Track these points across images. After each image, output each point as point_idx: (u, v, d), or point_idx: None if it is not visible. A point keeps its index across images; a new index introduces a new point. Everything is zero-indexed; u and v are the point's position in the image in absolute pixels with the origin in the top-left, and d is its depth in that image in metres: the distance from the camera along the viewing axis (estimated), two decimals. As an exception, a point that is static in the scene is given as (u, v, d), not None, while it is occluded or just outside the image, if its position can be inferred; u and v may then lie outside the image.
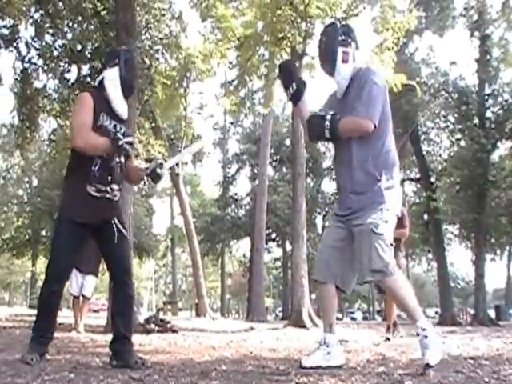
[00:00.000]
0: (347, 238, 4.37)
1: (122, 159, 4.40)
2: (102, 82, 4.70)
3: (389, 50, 17.69)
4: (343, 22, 5.39)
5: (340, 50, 4.44)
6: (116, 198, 4.67)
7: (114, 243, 4.59)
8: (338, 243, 4.43)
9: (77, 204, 4.46)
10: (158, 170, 4.62)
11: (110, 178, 4.47)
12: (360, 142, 4.32)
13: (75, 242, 4.55)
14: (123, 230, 4.68)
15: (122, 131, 4.61)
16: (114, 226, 4.59)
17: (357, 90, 4.36)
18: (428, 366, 3.88)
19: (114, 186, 4.57)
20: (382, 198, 4.22)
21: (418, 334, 4.10)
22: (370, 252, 4.10)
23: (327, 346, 4.36)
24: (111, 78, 4.63)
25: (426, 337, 4.03)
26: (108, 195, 4.53)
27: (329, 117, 4.32)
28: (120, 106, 4.65)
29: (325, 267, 4.49)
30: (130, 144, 4.43)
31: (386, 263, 4.09)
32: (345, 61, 4.44)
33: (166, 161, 4.74)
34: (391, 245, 4.24)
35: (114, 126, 4.58)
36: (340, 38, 4.48)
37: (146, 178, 4.79)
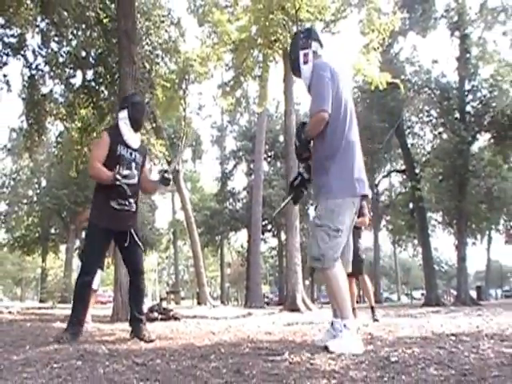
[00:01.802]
0: None
1: (135, 177, 5.52)
2: (117, 121, 5.75)
3: (375, 50, 17.77)
4: (307, 27, 5.76)
5: (301, 53, 4.73)
6: (133, 209, 5.64)
7: (130, 250, 5.65)
8: None
9: (103, 215, 5.45)
10: (166, 175, 5.75)
11: (127, 194, 5.45)
12: (316, 136, 4.55)
13: (101, 244, 5.58)
14: (137, 240, 5.67)
15: (137, 159, 5.67)
16: (130, 236, 5.58)
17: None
18: (327, 348, 4.01)
19: (131, 200, 5.57)
20: (328, 188, 4.38)
21: (336, 328, 4.25)
22: (311, 241, 4.37)
23: (334, 330, 4.34)
24: (122, 117, 5.68)
25: (341, 331, 4.15)
26: (127, 207, 5.52)
27: (300, 127, 4.65)
28: (131, 139, 5.66)
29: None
30: (129, 186, 5.41)
31: (323, 252, 4.23)
32: (305, 62, 4.70)
33: (169, 164, 5.55)
34: (337, 231, 4.29)
35: (130, 153, 5.61)
36: (301, 42, 4.78)
37: (159, 185, 5.91)
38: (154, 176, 5.98)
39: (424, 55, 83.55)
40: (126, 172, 5.34)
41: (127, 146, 5.58)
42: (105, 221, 5.41)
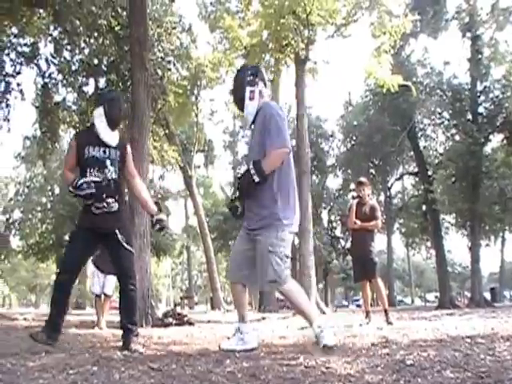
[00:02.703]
0: (253, 247, 4.83)
1: (110, 174, 5.36)
2: (93, 119, 5.59)
3: (386, 52, 17.72)
4: (253, 64, 6.02)
5: (247, 89, 4.96)
6: (114, 209, 5.39)
7: (116, 252, 5.48)
8: (247, 251, 4.92)
9: (85, 218, 5.43)
10: (161, 223, 5.70)
11: (104, 195, 5.27)
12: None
13: (81, 244, 5.39)
14: (123, 243, 5.44)
15: (112, 155, 5.45)
16: (115, 237, 5.39)
17: (262, 125, 4.84)
18: (327, 346, 4.43)
19: (109, 200, 5.34)
20: (278, 220, 4.70)
21: (315, 333, 4.63)
22: (266, 266, 4.63)
23: (241, 333, 4.82)
24: (97, 115, 5.50)
25: (321, 331, 4.57)
26: (106, 209, 5.33)
27: (251, 166, 4.72)
28: (107, 136, 5.45)
29: (236, 270, 5.02)
30: (88, 184, 5.20)
31: (279, 274, 4.60)
32: (251, 98, 4.93)
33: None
34: (287, 257, 4.74)
35: (104, 151, 5.41)
36: (248, 78, 5.01)
37: (151, 216, 5.77)
38: (155, 215, 5.76)
39: (435, 57, 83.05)
40: (93, 171, 5.27)
41: (102, 145, 5.41)
42: (86, 223, 5.38)
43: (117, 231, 5.42)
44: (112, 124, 5.50)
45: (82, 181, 5.19)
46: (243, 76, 5.03)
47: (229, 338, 5.01)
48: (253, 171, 4.68)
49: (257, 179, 4.67)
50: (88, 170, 5.27)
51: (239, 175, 4.98)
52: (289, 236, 4.79)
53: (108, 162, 5.39)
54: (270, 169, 4.68)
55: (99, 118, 5.47)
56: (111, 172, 5.39)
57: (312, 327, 4.65)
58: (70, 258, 5.40)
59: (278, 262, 4.60)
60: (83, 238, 5.36)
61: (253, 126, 5.07)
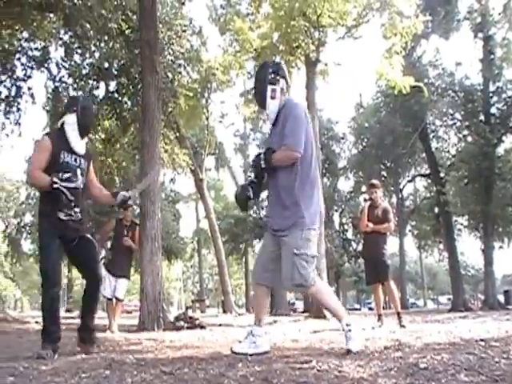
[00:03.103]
0: (279, 248, 4.78)
1: (79, 183, 5.35)
2: (62, 125, 5.45)
3: (397, 54, 17.66)
4: (275, 60, 6.01)
5: (269, 87, 4.91)
6: (79, 218, 5.37)
7: (82, 255, 5.44)
8: (272, 253, 4.85)
9: (53, 224, 5.20)
10: (128, 200, 5.62)
11: (73, 203, 5.22)
12: (283, 169, 4.78)
13: (59, 251, 5.27)
14: (92, 244, 5.54)
15: (82, 165, 5.42)
16: (79, 240, 5.36)
17: (283, 122, 4.80)
18: (350, 351, 4.43)
19: (77, 209, 5.33)
20: (302, 218, 4.65)
21: (343, 329, 4.66)
22: (292, 270, 4.58)
23: (253, 336, 4.77)
24: (70, 122, 5.39)
25: (350, 330, 4.60)
26: (73, 217, 5.28)
27: (263, 151, 4.86)
28: (77, 145, 5.39)
29: (261, 271, 4.94)
30: (68, 189, 5.11)
31: (306, 278, 4.57)
32: (272, 97, 4.89)
33: (127, 191, 5.75)
34: (313, 257, 4.69)
35: (75, 159, 5.36)
36: (269, 76, 4.95)
37: (114, 204, 5.69)
38: (107, 193, 5.83)
39: (447, 58, 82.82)
40: (66, 175, 5.17)
41: (73, 153, 5.34)
42: (56, 230, 5.19)
43: (87, 235, 5.51)
44: (84, 132, 5.47)
45: (68, 174, 5.18)
46: (264, 74, 4.98)
47: (240, 342, 4.98)
48: (262, 156, 4.78)
49: (263, 165, 4.76)
50: (61, 176, 5.16)
51: (254, 156, 5.01)
52: (314, 234, 4.74)
53: (78, 172, 5.37)
54: (277, 164, 4.72)
55: (71, 125, 5.37)
56: (80, 181, 5.38)
57: (341, 324, 4.67)
58: (56, 268, 5.25)
59: (303, 265, 4.56)
60: (58, 245, 5.22)
61: (271, 127, 5.08)
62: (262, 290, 4.93)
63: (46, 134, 5.85)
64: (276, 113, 4.90)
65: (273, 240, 4.87)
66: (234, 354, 4.57)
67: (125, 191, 5.64)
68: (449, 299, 49.09)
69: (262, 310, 5.02)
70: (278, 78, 4.93)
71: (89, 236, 5.53)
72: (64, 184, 5.07)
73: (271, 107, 4.90)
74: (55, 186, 4.99)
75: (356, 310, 56.86)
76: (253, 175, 4.99)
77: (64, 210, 5.18)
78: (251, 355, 4.41)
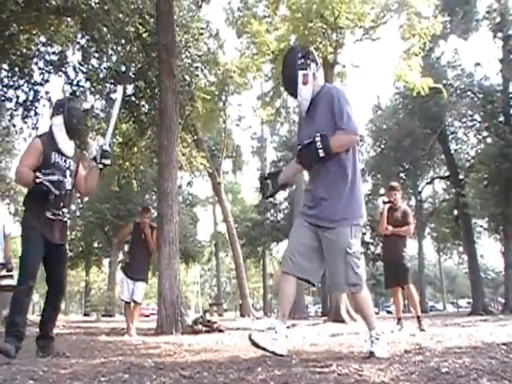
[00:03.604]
0: (316, 239, 4.55)
1: (68, 185, 5.40)
2: (51, 127, 5.50)
3: (416, 55, 17.63)
4: (303, 45, 5.60)
5: (300, 73, 4.60)
6: (65, 219, 5.43)
7: (55, 267, 5.44)
8: (308, 242, 4.56)
9: (39, 221, 5.20)
10: (104, 147, 5.56)
11: (61, 203, 5.29)
12: (335, 157, 4.47)
13: (40, 247, 5.20)
14: (66, 255, 5.64)
15: (71, 167, 5.49)
16: (59, 249, 5.39)
17: (327, 106, 4.49)
18: (372, 354, 4.34)
19: (65, 210, 5.39)
20: (352, 213, 4.45)
21: (370, 336, 4.53)
22: (346, 270, 4.37)
23: (275, 332, 4.43)
24: (57, 124, 5.43)
25: (378, 339, 4.47)
26: (60, 217, 5.33)
27: (317, 138, 4.38)
28: (65, 146, 5.46)
29: (294, 261, 4.57)
30: (52, 182, 5.07)
31: (361, 277, 4.42)
32: (305, 82, 4.59)
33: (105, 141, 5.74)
34: (361, 253, 4.67)
35: (65, 161, 5.44)
36: (299, 61, 4.63)
37: (99, 164, 5.56)
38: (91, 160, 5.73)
39: (466, 58, 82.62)
40: (49, 171, 5.14)
41: (62, 154, 5.39)
42: (41, 227, 5.18)
43: (65, 245, 5.52)
44: (72, 134, 5.49)
45: (50, 170, 5.16)
46: (293, 59, 4.66)
47: (261, 331, 4.67)
48: (319, 144, 4.35)
49: (322, 154, 4.35)
50: (47, 173, 5.14)
51: (300, 146, 4.57)
52: (360, 230, 4.57)
53: (68, 173, 5.41)
54: (338, 149, 4.39)
55: (59, 127, 5.40)
56: (69, 183, 5.41)
57: (370, 332, 4.54)
58: (34, 261, 5.19)
59: (357, 264, 4.38)
60: (40, 242, 5.17)
61: (305, 114, 4.77)
62: (290, 280, 4.59)
63: (37, 136, 5.83)
64: (309, 99, 4.62)
65: (310, 229, 4.57)
66: (251, 341, 4.35)
67: (98, 146, 5.73)
68: (468, 302, 48.83)
69: (288, 303, 4.65)
70: (308, 62, 4.64)
71: (66, 247, 5.55)
72: (47, 178, 5.05)
73: (304, 94, 4.60)
74: (38, 180, 4.98)
75: (374, 313, 56.59)
76: (304, 168, 4.77)
77: (52, 209, 5.21)
78: (269, 351, 4.30)
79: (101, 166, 5.52)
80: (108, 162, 5.50)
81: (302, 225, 4.64)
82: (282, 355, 4.39)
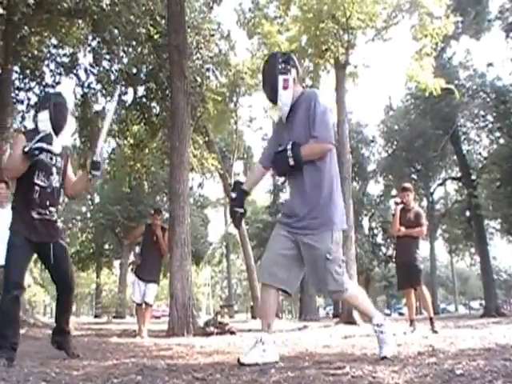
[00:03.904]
0: (294, 247, 4.47)
1: (55, 182, 5.22)
2: (36, 123, 5.24)
3: (428, 55, 17.58)
4: (283, 51, 5.46)
5: (280, 78, 4.56)
6: (53, 218, 5.25)
7: (56, 265, 5.21)
8: (286, 251, 4.50)
9: (24, 225, 5.01)
10: (94, 159, 5.24)
11: (47, 202, 5.13)
12: (311, 164, 4.43)
13: (25, 253, 5.05)
14: (65, 249, 5.38)
15: (58, 164, 5.28)
16: (53, 247, 5.15)
17: (306, 112, 4.47)
18: (384, 357, 4.19)
19: (52, 209, 5.21)
20: (331, 219, 4.38)
21: (375, 331, 4.41)
22: (326, 278, 4.31)
23: (263, 344, 4.41)
24: (42, 119, 5.16)
25: (382, 332, 4.35)
26: (47, 216, 5.14)
27: (289, 146, 4.38)
28: (52, 142, 5.08)
29: (272, 272, 4.54)
30: (41, 149, 4.86)
31: (342, 283, 4.33)
32: (285, 87, 4.54)
33: (94, 151, 5.41)
34: (343, 261, 4.46)
35: (51, 158, 5.19)
36: (280, 66, 4.58)
37: (90, 175, 5.30)
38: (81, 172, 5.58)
39: (478, 58, 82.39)
40: (42, 155, 4.95)
41: (47, 151, 5.05)
42: (26, 230, 4.99)
43: (60, 240, 5.31)
44: (57, 129, 5.21)
45: (39, 144, 4.85)
46: (274, 64, 4.62)
47: (247, 352, 4.52)
48: (289, 153, 4.37)
49: (291, 162, 4.37)
50: (36, 173, 5.05)
51: (275, 154, 4.56)
52: (341, 236, 4.49)
53: (54, 170, 5.23)
54: (308, 158, 4.37)
55: (44, 122, 5.16)
56: (56, 180, 5.25)
57: (372, 323, 4.46)
58: (18, 270, 4.98)
59: (337, 271, 4.31)
60: (25, 247, 5.00)
61: (285, 120, 4.70)
62: (270, 291, 4.54)
63: (22, 132, 5.77)
64: (289, 105, 4.58)
65: (288, 238, 4.51)
66: (243, 365, 4.22)
67: (89, 156, 5.49)
68: (480, 304, 48.71)
69: (271, 315, 4.64)
70: (288, 67, 4.61)
71: (62, 242, 5.33)
72: (38, 182, 5.02)
73: (284, 99, 4.56)
74: (26, 149, 4.77)
75: (386, 315, 56.31)
76: (276, 175, 4.80)
77: (37, 208, 5.06)
78: (262, 365, 4.20)
79: (90, 176, 5.33)
80: (98, 173, 5.26)
81: (279, 233, 4.62)
82: (275, 362, 4.35)
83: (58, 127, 5.20)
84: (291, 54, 4.87)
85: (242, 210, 4.83)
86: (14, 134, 16.37)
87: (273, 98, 4.64)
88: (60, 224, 5.61)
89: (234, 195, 4.85)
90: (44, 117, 5.16)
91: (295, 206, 4.55)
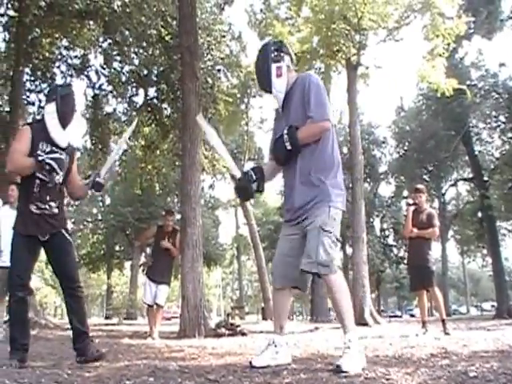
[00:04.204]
0: (302, 244, 4.31)
1: (58, 178, 4.99)
2: (43, 115, 5.14)
3: (440, 55, 17.52)
4: (276, 39, 5.28)
5: (273, 66, 4.52)
6: (53, 213, 5.03)
7: (58, 255, 5.06)
8: (294, 251, 4.38)
9: (23, 220, 4.94)
10: (98, 179, 5.16)
11: (48, 197, 4.96)
12: (305, 147, 4.35)
13: (27, 253, 4.93)
14: (67, 240, 5.10)
15: (62, 156, 5.05)
16: (54, 237, 5.01)
17: (301, 95, 4.40)
18: (339, 367, 3.74)
19: (52, 204, 5.01)
20: (328, 196, 4.24)
21: (344, 343, 4.09)
22: (317, 246, 4.11)
23: (275, 346, 4.37)
24: (49, 112, 5.03)
25: (348, 348, 4.01)
26: (47, 211, 4.97)
27: (285, 131, 4.33)
28: (58, 135, 5.03)
29: (283, 274, 4.47)
30: (54, 159, 4.86)
31: (332, 258, 4.13)
32: (278, 75, 4.51)
33: (100, 170, 5.36)
34: (338, 240, 4.32)
35: (55, 152, 5.00)
36: (272, 54, 4.55)
37: (89, 190, 5.30)
38: (84, 181, 5.37)
39: (490, 59, 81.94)
40: (48, 148, 4.92)
41: (53, 144, 5.01)
42: (26, 227, 4.92)
43: (63, 230, 5.11)
44: (64, 122, 5.06)
45: (48, 148, 4.92)
46: (266, 53, 4.58)
47: (259, 354, 4.48)
48: (286, 137, 4.32)
49: (288, 147, 4.31)
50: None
51: (273, 141, 4.58)
52: (339, 215, 4.31)
53: (57, 165, 5.00)
54: (306, 140, 4.30)
55: (51, 114, 5.03)
56: (59, 176, 5.05)
57: (344, 336, 4.12)
58: (20, 272, 4.90)
59: (330, 244, 4.13)
60: (27, 247, 4.93)
61: (281, 108, 4.65)
62: (284, 293, 4.49)
63: (28, 123, 5.60)
64: (283, 92, 4.53)
65: (292, 235, 4.44)
66: (254, 368, 4.17)
67: (94, 173, 5.32)
68: (492, 306, 48.52)
69: (284, 316, 4.60)
70: (282, 54, 4.56)
71: (64, 232, 5.12)
72: (50, 156, 4.88)
73: (278, 86, 4.52)
74: (39, 158, 4.79)
75: (397, 317, 56.41)
76: (277, 162, 4.63)
77: (36, 202, 4.93)
78: (274, 367, 4.17)
79: (90, 192, 5.40)
80: (99, 193, 5.35)
81: (285, 233, 4.57)
82: (287, 364, 4.30)
83: (64, 120, 5.07)
84: (284, 42, 4.82)
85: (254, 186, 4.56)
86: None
87: (266, 86, 4.61)
88: (65, 218, 5.36)
89: (252, 174, 4.54)
90: (50, 109, 5.06)
91: (294, 188, 4.45)
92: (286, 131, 4.33)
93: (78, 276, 5.29)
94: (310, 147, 4.34)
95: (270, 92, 4.60)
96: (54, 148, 5.02)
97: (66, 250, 5.11)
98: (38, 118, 4.90)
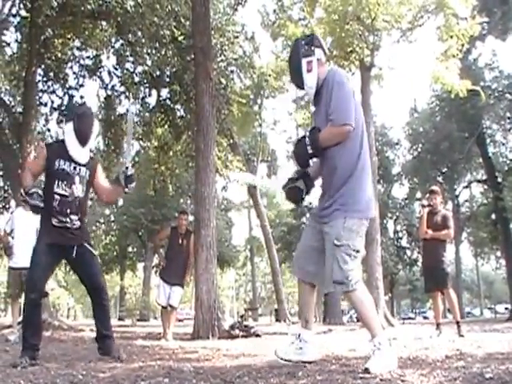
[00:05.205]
0: (321, 238, 4.30)
1: (77, 192, 5.30)
2: (64, 135, 5.48)
3: (453, 56, 17.46)
4: (307, 34, 5.14)
5: (303, 61, 4.42)
6: (75, 226, 5.33)
7: (83, 265, 5.41)
8: (314, 242, 4.39)
9: (46, 231, 5.23)
10: (129, 173, 5.36)
11: (68, 210, 5.24)
12: (327, 151, 4.29)
13: (45, 259, 5.16)
14: (91, 253, 5.44)
15: (82, 173, 5.39)
16: (76, 250, 5.29)
17: (326, 95, 4.30)
18: (367, 370, 3.72)
19: (73, 217, 5.30)
20: (345, 205, 4.16)
21: (374, 345, 4.01)
22: (332, 264, 4.07)
23: (300, 341, 4.38)
24: (67, 131, 5.37)
25: (379, 349, 3.96)
26: (68, 224, 5.26)
27: (307, 133, 4.29)
28: (76, 153, 5.34)
29: (302, 266, 4.49)
30: (34, 206, 5.11)
31: (347, 275, 4.03)
32: (309, 70, 4.40)
33: (125, 162, 5.52)
34: (357, 252, 4.15)
35: (74, 168, 5.34)
36: (302, 49, 4.46)
37: (124, 189, 5.43)
38: (114, 182, 5.63)
39: (504, 60, 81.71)
40: (33, 190, 5.09)
41: (72, 161, 5.31)
42: (50, 235, 5.20)
43: (85, 244, 5.41)
44: (82, 140, 5.35)
45: (34, 190, 5.11)
46: (297, 49, 4.48)
47: (284, 346, 4.56)
48: (307, 140, 4.26)
49: (309, 150, 4.26)
50: (56, 182, 5.22)
51: (296, 141, 4.51)
52: (359, 225, 4.18)
53: (77, 179, 5.33)
54: (326, 144, 4.21)
55: (69, 133, 5.34)
56: (79, 190, 5.34)
57: (372, 341, 4.05)
58: (36, 275, 5.14)
59: (344, 259, 4.02)
60: (46, 253, 5.16)
61: (313, 104, 4.61)
62: (304, 286, 4.49)
63: (46, 144, 5.90)
64: (315, 88, 4.41)
65: (316, 229, 4.39)
66: (277, 357, 4.34)
67: (121, 171, 5.50)
68: (506, 308, 48.32)
69: (308, 309, 4.53)
70: (312, 48, 4.44)
71: (87, 245, 5.43)
72: (29, 199, 5.09)
73: (309, 82, 4.40)
74: (21, 198, 5.22)
75: (410, 319, 56.28)
76: (297, 164, 4.55)
77: (57, 216, 5.20)
78: (296, 362, 4.25)
79: (127, 189, 5.45)
80: (133, 185, 5.44)
81: (309, 224, 4.58)
82: (310, 362, 4.31)
83: (82, 138, 5.34)
84: (315, 35, 4.72)
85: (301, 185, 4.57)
86: (39, 136, 16.51)
87: (299, 83, 4.50)
88: (87, 231, 5.72)
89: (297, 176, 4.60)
90: (68, 128, 5.36)
91: (321, 195, 4.43)
92: (308, 133, 4.29)
93: (104, 286, 5.56)
94: (334, 148, 4.25)
95: (303, 88, 4.52)
96: (71, 164, 5.31)
97: (91, 263, 5.45)
98: (58, 138, 5.38)
